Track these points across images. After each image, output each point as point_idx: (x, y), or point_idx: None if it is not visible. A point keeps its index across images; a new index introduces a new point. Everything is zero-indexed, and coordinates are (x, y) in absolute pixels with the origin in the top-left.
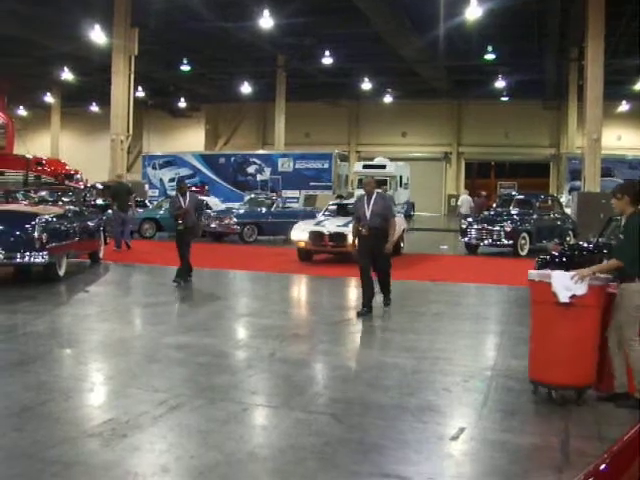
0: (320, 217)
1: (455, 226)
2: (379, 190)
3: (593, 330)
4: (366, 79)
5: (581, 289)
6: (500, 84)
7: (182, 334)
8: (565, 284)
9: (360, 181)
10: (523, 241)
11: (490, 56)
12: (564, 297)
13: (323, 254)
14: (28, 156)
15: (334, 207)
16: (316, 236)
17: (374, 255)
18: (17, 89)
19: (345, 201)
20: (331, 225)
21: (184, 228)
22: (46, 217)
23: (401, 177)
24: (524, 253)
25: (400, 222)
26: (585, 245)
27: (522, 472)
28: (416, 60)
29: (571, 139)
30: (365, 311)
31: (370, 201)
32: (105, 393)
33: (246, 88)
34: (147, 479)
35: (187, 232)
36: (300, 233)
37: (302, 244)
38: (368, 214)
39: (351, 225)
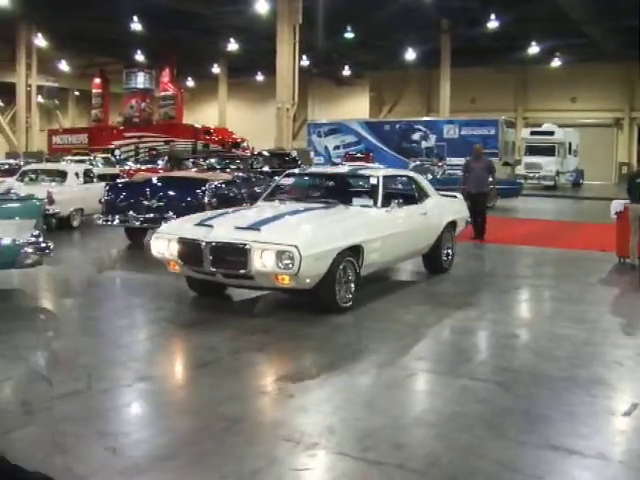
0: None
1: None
2: None
3: None
4: (533, 43)
5: None
6: None
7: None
8: None
9: (528, 148)
10: None
11: None
12: None
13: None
14: (197, 125)
15: (290, 181)
16: (188, 250)
17: None
18: (185, 61)
19: (344, 169)
20: (224, 226)
21: None
22: (216, 183)
23: (570, 144)
24: None
25: (448, 206)
26: None
27: None
28: (585, 22)
29: None
30: None
31: None
32: (273, 353)
33: (410, 54)
34: (313, 439)
35: None
36: (162, 244)
37: (173, 265)
38: None
39: (272, 226)
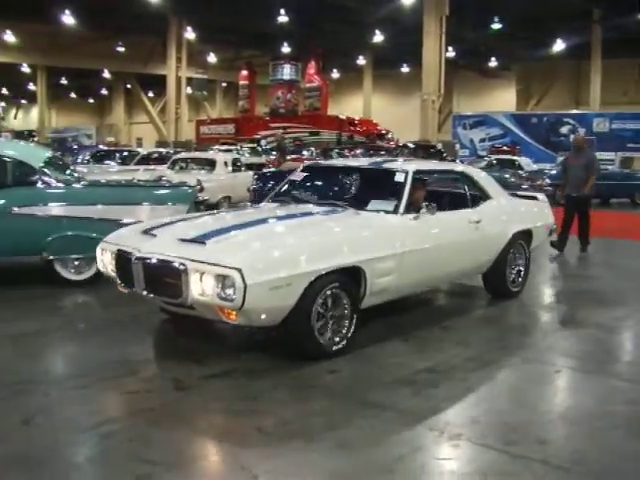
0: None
1: None
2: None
3: None
4: None
5: None
6: None
7: None
8: None
9: None
10: None
11: None
12: None
13: None
14: (341, 116)
15: (303, 177)
16: (122, 265)
17: None
18: (331, 53)
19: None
20: (167, 236)
21: None
22: None
23: None
24: None
25: (519, 211)
26: None
27: None
28: None
29: None
30: None
31: None
32: (420, 344)
33: (559, 46)
34: (457, 429)
35: None
36: (107, 257)
37: (119, 284)
38: None
39: (222, 239)
